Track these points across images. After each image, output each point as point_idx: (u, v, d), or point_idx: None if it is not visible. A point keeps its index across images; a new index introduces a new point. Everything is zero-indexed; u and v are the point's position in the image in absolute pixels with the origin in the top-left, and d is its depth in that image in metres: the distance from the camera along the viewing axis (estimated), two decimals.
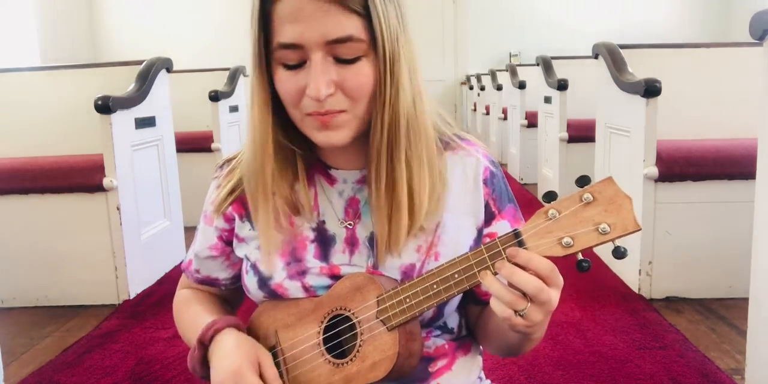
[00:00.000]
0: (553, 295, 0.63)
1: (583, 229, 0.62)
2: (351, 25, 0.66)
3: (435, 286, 0.68)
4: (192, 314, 0.88)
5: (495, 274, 0.65)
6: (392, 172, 0.73)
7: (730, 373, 1.70)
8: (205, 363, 0.78)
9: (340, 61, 0.68)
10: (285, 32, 0.67)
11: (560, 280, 0.64)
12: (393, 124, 0.71)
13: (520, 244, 0.64)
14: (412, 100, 0.72)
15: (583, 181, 0.63)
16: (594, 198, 0.62)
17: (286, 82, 0.70)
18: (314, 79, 0.67)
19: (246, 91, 4.17)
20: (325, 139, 0.72)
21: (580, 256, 0.64)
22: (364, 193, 0.79)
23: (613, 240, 0.62)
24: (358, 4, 0.66)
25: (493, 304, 0.65)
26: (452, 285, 0.67)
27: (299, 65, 0.69)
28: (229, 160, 0.86)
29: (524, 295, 0.63)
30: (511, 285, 0.64)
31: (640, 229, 0.61)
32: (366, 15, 0.67)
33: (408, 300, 0.69)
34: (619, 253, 0.63)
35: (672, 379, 1.66)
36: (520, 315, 0.63)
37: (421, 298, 0.69)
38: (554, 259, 0.64)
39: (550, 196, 0.65)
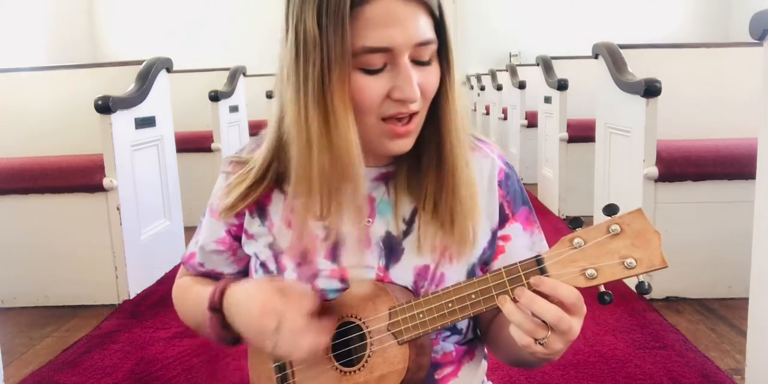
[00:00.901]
0: (575, 324, 0.62)
1: (609, 262, 0.61)
2: (430, 28, 0.68)
3: (450, 305, 0.67)
4: (194, 292, 0.85)
5: (514, 299, 0.63)
6: (459, 172, 0.73)
7: (730, 373, 1.70)
8: (227, 328, 0.77)
9: (417, 63, 0.69)
10: (374, 36, 0.65)
11: (584, 309, 0.63)
12: (459, 124, 0.73)
13: (542, 271, 0.63)
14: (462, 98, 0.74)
15: (611, 210, 0.62)
16: (621, 230, 0.61)
17: (367, 86, 0.67)
18: (409, 81, 0.67)
19: (246, 92, 4.16)
20: (400, 147, 0.72)
21: (602, 288, 0.63)
22: (380, 191, 0.78)
23: (637, 275, 0.61)
24: (436, 7, 0.68)
25: (513, 331, 0.64)
26: (468, 306, 0.66)
27: (380, 69, 0.68)
28: (241, 160, 0.82)
29: (545, 323, 0.62)
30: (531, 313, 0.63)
31: (666, 266, 0.60)
32: (439, 17, 0.68)
33: (421, 316, 0.68)
34: (642, 289, 0.62)
35: (672, 379, 1.66)
36: (540, 343, 0.63)
37: (435, 315, 0.68)
38: None
39: (576, 223, 0.63)
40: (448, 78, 0.71)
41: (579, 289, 0.63)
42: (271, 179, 0.78)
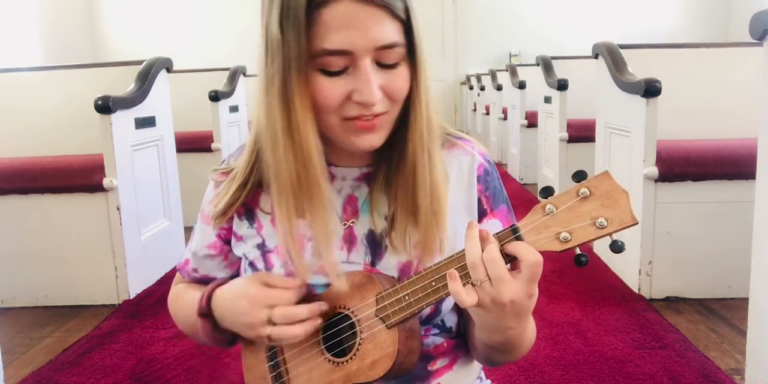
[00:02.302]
0: (509, 280, 0.63)
1: (581, 224, 0.62)
2: (395, 31, 0.68)
3: (434, 284, 0.68)
4: (186, 299, 0.87)
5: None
6: (432, 174, 0.74)
7: (730, 373, 1.70)
8: (221, 330, 0.79)
9: (383, 66, 0.69)
10: (333, 39, 0.66)
11: (533, 276, 0.63)
12: (428, 125, 0.73)
13: (518, 239, 0.65)
14: (432, 100, 0.75)
15: (579, 175, 0.64)
16: (591, 192, 0.62)
17: (326, 88, 0.68)
18: (368, 84, 0.67)
19: (246, 91, 4.16)
20: (366, 142, 0.72)
21: (578, 251, 0.64)
22: (363, 191, 0.79)
23: (610, 234, 0.62)
24: (402, 11, 0.68)
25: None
26: None
27: (342, 71, 0.68)
28: (228, 169, 0.84)
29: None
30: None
31: (637, 223, 0.61)
32: (405, 21, 0.69)
33: (407, 298, 0.69)
34: (616, 247, 0.63)
35: (672, 379, 1.66)
36: (471, 283, 0.64)
37: (420, 295, 0.69)
38: (553, 254, 0.64)
39: (548, 192, 0.65)
40: (415, 81, 0.72)
41: (556, 253, 0.64)
42: (255, 180, 0.80)
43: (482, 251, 0.64)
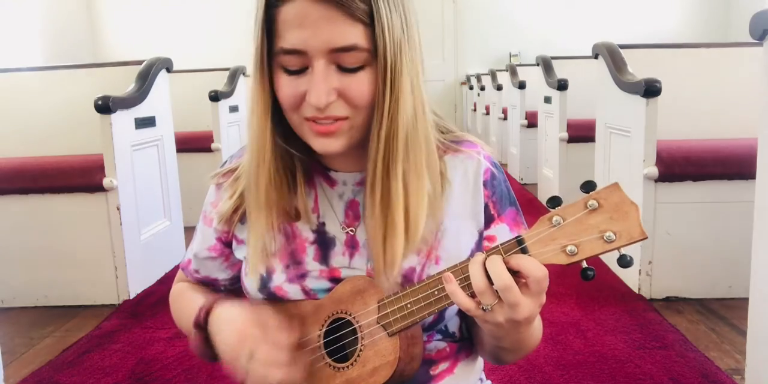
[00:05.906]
0: (524, 302, 0.62)
1: (588, 237, 0.61)
2: (355, 34, 0.65)
3: (437, 293, 0.67)
4: (187, 300, 0.87)
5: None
6: (388, 188, 0.71)
7: (730, 373, 1.70)
8: (210, 345, 0.78)
9: (343, 69, 0.67)
10: (288, 37, 0.66)
11: (542, 289, 0.62)
12: (391, 135, 0.70)
13: (524, 251, 0.63)
14: (413, 112, 0.71)
15: (588, 186, 0.62)
16: (599, 205, 0.61)
17: (286, 86, 0.69)
18: (316, 86, 0.66)
19: (246, 92, 4.15)
20: (322, 146, 0.71)
21: (584, 265, 0.62)
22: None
23: (618, 248, 0.61)
24: (364, 13, 0.65)
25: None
26: None
27: (301, 70, 0.68)
28: (230, 170, 0.84)
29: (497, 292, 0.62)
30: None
31: (646, 238, 0.59)
32: (370, 24, 0.66)
33: (410, 306, 0.69)
34: (624, 262, 0.61)
35: (672, 379, 1.66)
36: (483, 309, 0.63)
37: (423, 304, 0.68)
38: (559, 267, 0.63)
39: (555, 202, 0.63)
40: (383, 88, 0.68)
41: (563, 267, 0.63)
42: None
43: (487, 276, 0.62)
